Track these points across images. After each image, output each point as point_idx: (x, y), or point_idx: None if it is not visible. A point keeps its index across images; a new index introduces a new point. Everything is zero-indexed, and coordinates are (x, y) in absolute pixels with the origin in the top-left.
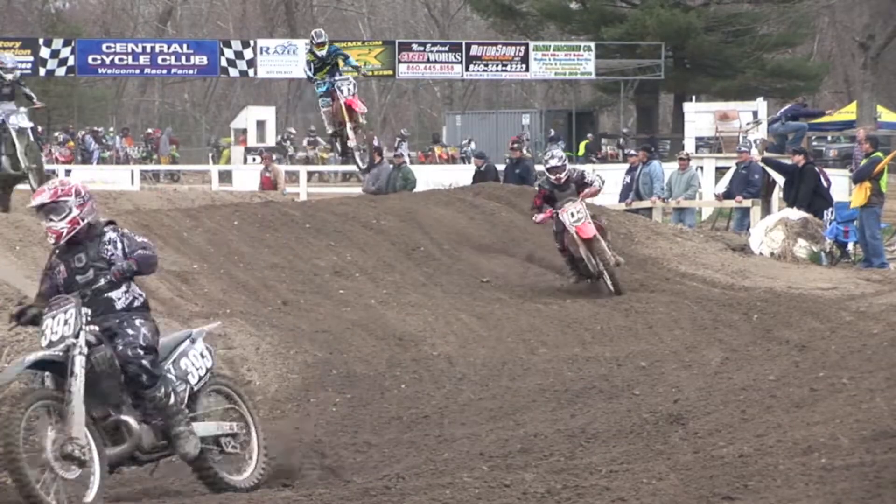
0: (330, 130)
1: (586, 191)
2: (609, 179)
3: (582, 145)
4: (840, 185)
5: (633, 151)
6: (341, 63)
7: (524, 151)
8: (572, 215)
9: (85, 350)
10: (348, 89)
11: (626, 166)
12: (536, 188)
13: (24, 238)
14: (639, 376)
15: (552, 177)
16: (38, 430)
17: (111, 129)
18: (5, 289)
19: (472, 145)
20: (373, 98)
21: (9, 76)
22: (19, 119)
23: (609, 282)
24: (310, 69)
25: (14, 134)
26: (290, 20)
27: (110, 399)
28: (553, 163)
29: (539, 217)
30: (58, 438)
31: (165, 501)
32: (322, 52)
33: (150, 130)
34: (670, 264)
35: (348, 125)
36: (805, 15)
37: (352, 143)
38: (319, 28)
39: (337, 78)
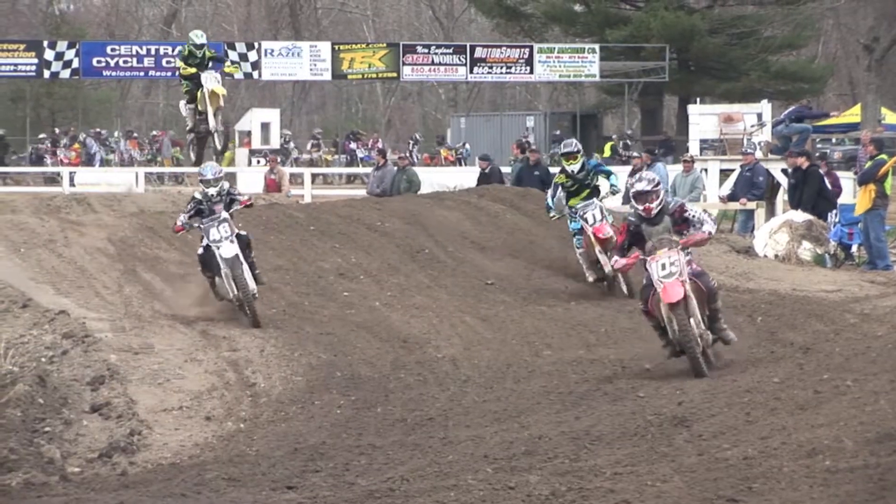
0: (591, 278)
1: (693, 237)
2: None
3: (608, 147)
4: (845, 187)
5: (635, 153)
6: (602, 184)
7: (541, 155)
8: (663, 267)
9: None
10: (594, 216)
11: (629, 168)
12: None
13: (29, 240)
14: (643, 378)
15: (639, 206)
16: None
17: (116, 132)
18: (9, 291)
19: (467, 147)
20: (377, 100)
21: (212, 190)
22: (224, 246)
23: (692, 364)
24: (558, 195)
25: (220, 259)
26: (295, 22)
27: None
28: (641, 187)
29: (621, 262)
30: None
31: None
32: (575, 167)
33: (155, 133)
34: None
35: (598, 253)
36: (809, 17)
37: (607, 267)
38: (571, 138)
39: (580, 205)
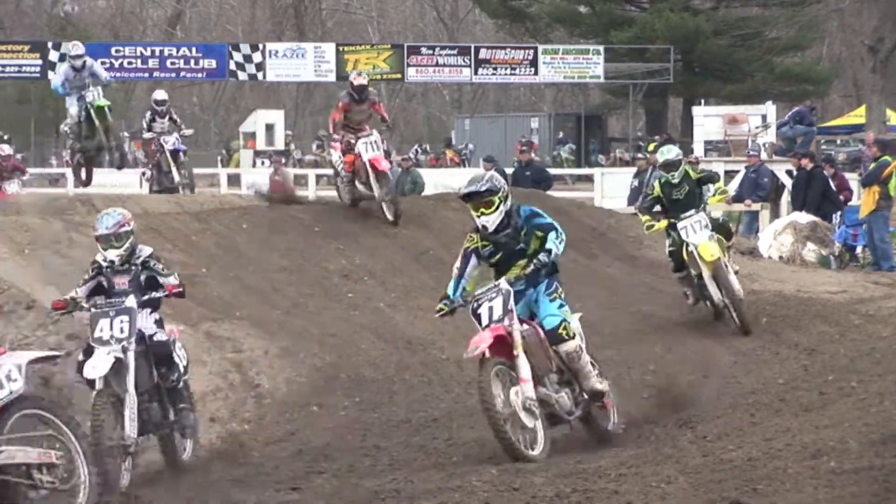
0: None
1: None
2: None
3: (651, 145)
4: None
5: (639, 154)
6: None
7: (533, 154)
8: None
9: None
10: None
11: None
12: None
13: (34, 241)
14: (648, 380)
15: None
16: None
17: (124, 133)
18: (14, 292)
19: (471, 147)
20: (382, 101)
21: (112, 253)
22: (96, 357)
23: None
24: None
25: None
26: (299, 24)
27: None
28: None
29: None
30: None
31: None
32: (489, 220)
33: None
34: None
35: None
36: (814, 18)
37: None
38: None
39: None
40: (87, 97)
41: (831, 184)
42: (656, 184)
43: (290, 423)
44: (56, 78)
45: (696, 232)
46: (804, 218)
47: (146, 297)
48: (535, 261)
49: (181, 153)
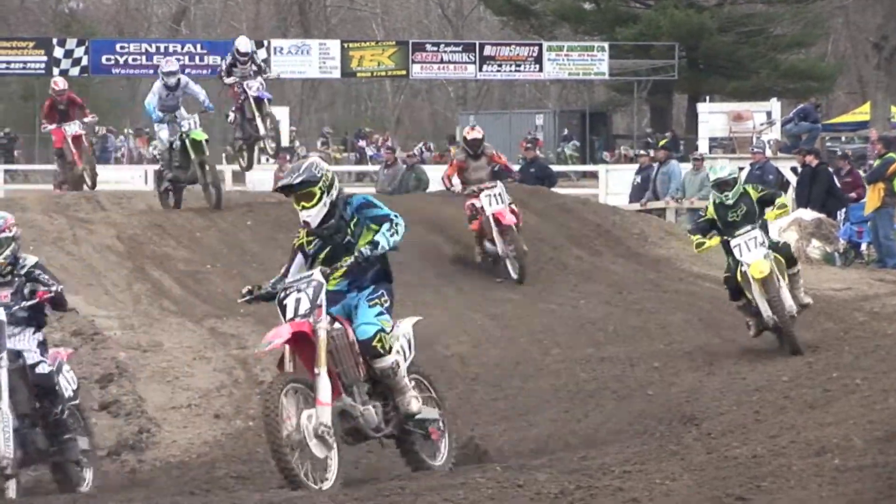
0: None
1: None
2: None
3: (662, 142)
4: None
5: (641, 151)
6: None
7: (537, 151)
8: None
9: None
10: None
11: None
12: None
13: (38, 238)
14: (652, 377)
15: None
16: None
17: (129, 130)
18: None
19: None
20: (386, 98)
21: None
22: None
23: None
24: None
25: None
26: (304, 20)
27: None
28: None
29: None
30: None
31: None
32: (309, 213)
33: None
34: (683, 265)
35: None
36: (819, 15)
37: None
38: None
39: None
40: (182, 126)
41: (836, 180)
42: (710, 206)
43: None
44: (150, 98)
45: (749, 250)
46: (809, 215)
47: (16, 307)
48: (356, 253)
49: (266, 101)
